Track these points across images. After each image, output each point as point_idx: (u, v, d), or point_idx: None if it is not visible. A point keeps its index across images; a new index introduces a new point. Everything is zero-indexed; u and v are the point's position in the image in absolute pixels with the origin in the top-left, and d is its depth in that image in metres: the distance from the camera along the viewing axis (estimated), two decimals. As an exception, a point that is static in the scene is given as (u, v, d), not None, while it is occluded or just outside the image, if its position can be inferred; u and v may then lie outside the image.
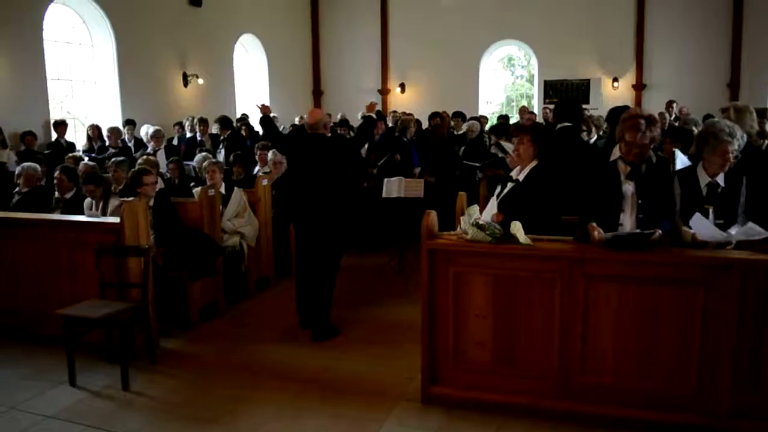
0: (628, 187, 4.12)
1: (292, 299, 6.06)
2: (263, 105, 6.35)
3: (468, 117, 11.20)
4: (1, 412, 4.41)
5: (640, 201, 4.09)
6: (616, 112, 5.62)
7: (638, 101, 15.77)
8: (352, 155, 6.33)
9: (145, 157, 7.37)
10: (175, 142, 11.01)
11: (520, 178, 4.68)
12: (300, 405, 4.42)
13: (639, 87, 15.99)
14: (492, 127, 9.25)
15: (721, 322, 3.69)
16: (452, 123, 10.90)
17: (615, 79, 16.08)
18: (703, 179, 4.17)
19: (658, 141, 4.23)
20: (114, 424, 4.22)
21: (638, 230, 3.90)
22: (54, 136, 10.25)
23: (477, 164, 8.08)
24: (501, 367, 4.16)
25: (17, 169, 7.02)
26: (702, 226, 3.90)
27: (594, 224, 4.00)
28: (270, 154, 8.18)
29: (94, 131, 10.74)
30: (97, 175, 6.46)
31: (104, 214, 6.00)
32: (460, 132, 10.36)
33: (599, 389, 3.97)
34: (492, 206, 4.65)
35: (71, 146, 10.14)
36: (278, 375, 4.92)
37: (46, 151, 9.16)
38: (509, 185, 4.73)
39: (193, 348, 5.57)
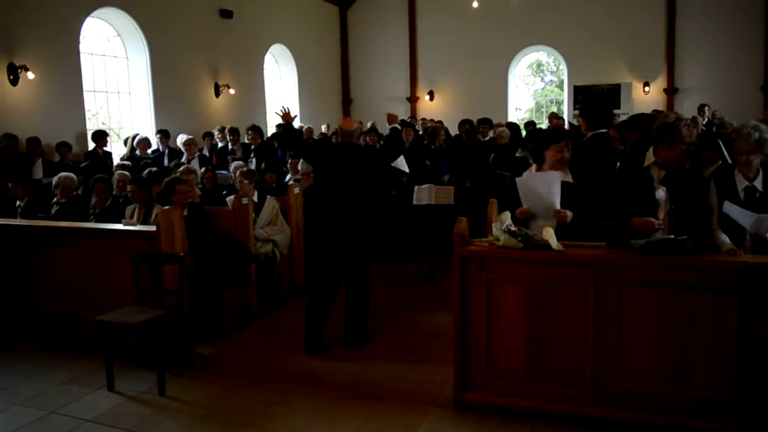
0: (662, 193, 4.10)
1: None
2: (285, 112, 6.05)
3: (495, 123, 11.15)
4: (42, 416, 4.51)
5: (672, 206, 4.06)
6: (641, 119, 5.58)
7: (670, 105, 15.58)
8: (382, 166, 6.19)
9: (184, 166, 7.48)
10: (205, 152, 11.13)
11: (569, 179, 4.50)
12: (333, 411, 4.46)
13: (670, 91, 15.80)
14: (528, 134, 9.16)
15: (757, 328, 3.64)
16: (480, 129, 10.86)
17: (646, 84, 15.92)
18: (741, 183, 4.11)
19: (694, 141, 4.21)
20: (151, 428, 4.30)
21: (671, 236, 3.87)
22: (91, 146, 10.45)
23: (509, 174, 8.04)
24: (534, 373, 4.15)
25: (54, 180, 7.18)
26: (734, 212, 3.92)
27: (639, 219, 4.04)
28: (301, 165, 8.27)
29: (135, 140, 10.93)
30: (143, 179, 6.57)
31: (146, 221, 6.10)
32: (487, 138, 10.32)
33: (633, 396, 3.94)
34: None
35: (108, 156, 10.33)
36: (311, 381, 4.97)
37: (84, 164, 9.34)
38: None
39: (227, 354, 5.65)
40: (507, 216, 4.24)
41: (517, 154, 7.54)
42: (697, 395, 3.81)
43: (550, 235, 4.00)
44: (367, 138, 10.00)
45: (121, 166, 8.24)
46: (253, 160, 10.20)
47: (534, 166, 4.61)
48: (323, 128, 13.56)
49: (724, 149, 5.48)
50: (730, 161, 5.22)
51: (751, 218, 3.95)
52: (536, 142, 4.69)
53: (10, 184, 7.25)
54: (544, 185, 4.43)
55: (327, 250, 5.57)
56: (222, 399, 4.72)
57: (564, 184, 4.46)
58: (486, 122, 10.91)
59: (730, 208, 4.02)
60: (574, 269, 3.98)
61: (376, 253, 6.10)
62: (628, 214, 4.14)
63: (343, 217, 5.50)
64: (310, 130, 12.54)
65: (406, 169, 6.72)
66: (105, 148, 10.44)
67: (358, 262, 5.60)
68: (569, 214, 4.39)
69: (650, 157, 4.19)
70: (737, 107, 13.62)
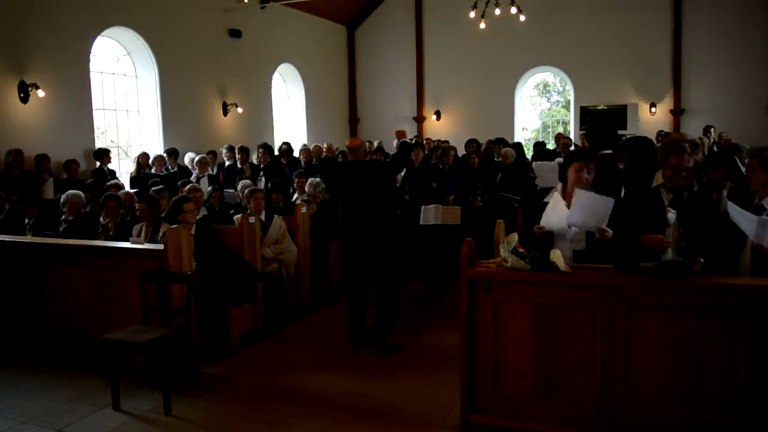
0: (671, 215, 4.09)
1: (334, 326, 6.13)
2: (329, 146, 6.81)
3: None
4: (48, 435, 4.51)
5: (681, 229, 4.05)
6: (636, 142, 5.58)
7: (676, 126, 15.60)
8: (389, 178, 6.56)
9: (190, 185, 7.50)
10: (210, 170, 11.12)
11: None
12: (339, 432, 4.44)
13: (677, 112, 15.82)
14: (536, 154, 9.19)
15: (767, 351, 3.62)
16: (495, 150, 10.87)
17: (652, 105, 15.94)
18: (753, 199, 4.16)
19: (701, 164, 4.19)
20: (157, 448, 4.29)
21: (680, 258, 3.86)
22: (97, 164, 10.51)
23: (516, 197, 8.06)
24: (541, 395, 4.12)
25: (62, 198, 7.20)
26: (737, 215, 3.92)
27: (649, 236, 3.99)
28: (308, 186, 8.32)
29: (144, 159, 10.99)
30: (153, 198, 6.59)
31: (153, 239, 6.11)
32: (499, 159, 10.36)
33: (642, 419, 3.90)
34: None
35: (113, 174, 10.37)
36: (317, 401, 4.95)
37: (89, 180, 9.40)
38: None
39: (233, 374, 5.63)
40: (515, 237, 4.23)
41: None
42: (705, 418, 3.78)
43: (557, 256, 4.00)
44: (374, 157, 10.04)
45: (114, 186, 8.25)
46: (263, 178, 10.21)
47: (559, 186, 4.54)
48: (324, 146, 13.39)
49: (741, 167, 5.50)
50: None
51: (753, 221, 3.94)
52: (563, 161, 4.69)
53: (18, 205, 7.27)
54: (602, 206, 4.23)
55: (353, 260, 6.14)
56: (227, 419, 4.70)
57: None
58: (500, 142, 10.94)
59: (734, 211, 4.00)
60: (582, 291, 3.96)
61: (405, 272, 6.57)
62: (637, 233, 4.11)
63: (361, 230, 5.97)
64: (317, 149, 12.56)
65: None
66: (109, 166, 10.49)
67: (382, 273, 5.99)
68: (610, 232, 4.23)
69: (659, 178, 4.19)
70: (744, 128, 13.63)
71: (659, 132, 13.04)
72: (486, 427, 4.27)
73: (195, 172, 10.30)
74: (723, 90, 15.26)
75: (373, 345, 6.02)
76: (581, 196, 4.25)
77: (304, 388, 5.23)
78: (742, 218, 3.99)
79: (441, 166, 9.48)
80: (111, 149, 10.99)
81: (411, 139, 13.34)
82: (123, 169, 11.89)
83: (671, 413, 3.84)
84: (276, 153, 11.92)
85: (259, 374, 5.59)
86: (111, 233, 6.60)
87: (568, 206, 4.29)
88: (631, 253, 4.08)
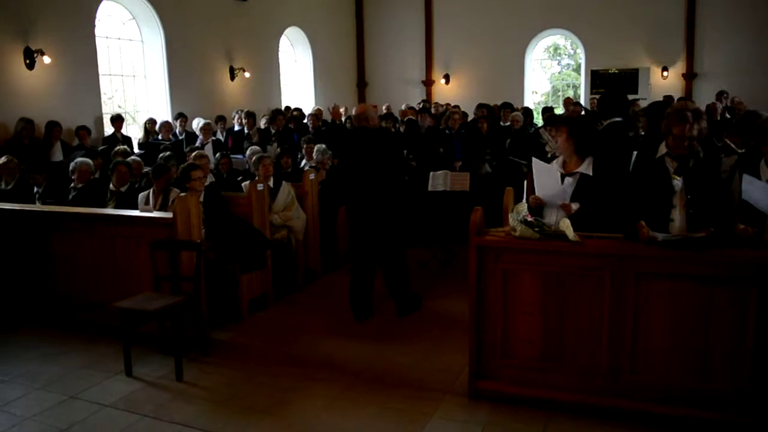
0: (677, 183, 4.05)
1: (343, 292, 6.17)
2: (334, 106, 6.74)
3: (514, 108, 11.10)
4: (61, 401, 4.58)
5: (689, 196, 4.02)
6: (657, 107, 5.53)
7: (688, 91, 15.39)
8: (396, 147, 6.45)
9: (196, 152, 7.48)
10: (218, 135, 11.08)
11: (589, 172, 4.48)
12: (349, 397, 4.49)
13: (689, 76, 15.59)
14: (547, 119, 9.16)
15: (776, 322, 3.62)
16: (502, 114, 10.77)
17: (664, 69, 15.70)
18: (764, 173, 4.09)
19: (705, 133, 4.15)
20: (169, 413, 4.35)
21: (689, 234, 3.83)
22: (108, 131, 10.50)
23: (524, 161, 8.01)
24: (549, 363, 4.15)
25: (71, 165, 7.20)
26: (755, 187, 3.88)
27: (642, 223, 3.96)
28: (315, 153, 8.29)
29: (152, 125, 10.96)
30: (163, 166, 6.59)
31: (164, 206, 6.12)
32: (508, 123, 10.27)
33: (649, 387, 3.94)
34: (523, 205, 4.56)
35: (127, 140, 10.36)
36: (327, 367, 5.00)
37: (101, 147, 9.40)
38: (569, 179, 4.52)
39: (243, 340, 5.69)
40: (523, 206, 4.23)
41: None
42: (713, 388, 3.81)
43: (567, 226, 3.99)
44: (383, 124, 9.95)
45: (121, 152, 8.24)
46: (275, 144, 10.14)
47: (561, 156, 4.69)
48: (329, 109, 13.28)
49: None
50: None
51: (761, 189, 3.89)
52: None
53: (27, 173, 7.28)
54: (549, 176, 4.50)
55: (358, 228, 6.02)
56: (239, 385, 4.76)
57: (583, 176, 4.48)
58: (507, 106, 10.84)
59: (751, 184, 3.94)
60: (591, 260, 3.96)
61: (406, 236, 6.54)
62: (643, 205, 4.09)
63: (365, 198, 5.86)
64: (319, 112, 12.49)
65: None
66: (122, 132, 10.48)
67: (384, 240, 5.93)
68: (574, 207, 4.40)
69: (663, 148, 4.16)
70: (757, 94, 13.42)
71: (666, 97, 12.89)
72: (494, 393, 4.31)
73: (200, 138, 10.27)
74: (737, 54, 14.97)
75: (397, 308, 6.08)
76: (537, 165, 4.52)
77: (313, 353, 5.29)
78: (761, 190, 3.92)
79: (447, 131, 9.40)
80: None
81: (419, 105, 13.27)
82: (131, 135, 11.86)
83: (678, 382, 3.87)
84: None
85: (269, 340, 5.65)
86: (122, 191, 6.63)
87: (563, 176, 4.50)
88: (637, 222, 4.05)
